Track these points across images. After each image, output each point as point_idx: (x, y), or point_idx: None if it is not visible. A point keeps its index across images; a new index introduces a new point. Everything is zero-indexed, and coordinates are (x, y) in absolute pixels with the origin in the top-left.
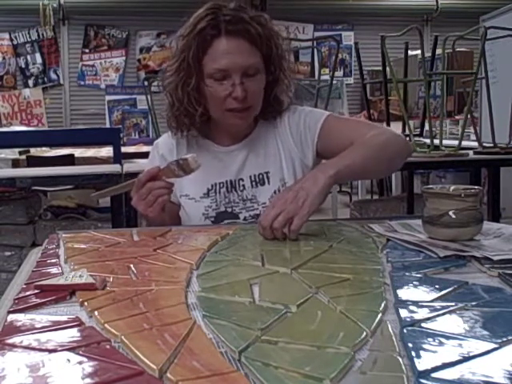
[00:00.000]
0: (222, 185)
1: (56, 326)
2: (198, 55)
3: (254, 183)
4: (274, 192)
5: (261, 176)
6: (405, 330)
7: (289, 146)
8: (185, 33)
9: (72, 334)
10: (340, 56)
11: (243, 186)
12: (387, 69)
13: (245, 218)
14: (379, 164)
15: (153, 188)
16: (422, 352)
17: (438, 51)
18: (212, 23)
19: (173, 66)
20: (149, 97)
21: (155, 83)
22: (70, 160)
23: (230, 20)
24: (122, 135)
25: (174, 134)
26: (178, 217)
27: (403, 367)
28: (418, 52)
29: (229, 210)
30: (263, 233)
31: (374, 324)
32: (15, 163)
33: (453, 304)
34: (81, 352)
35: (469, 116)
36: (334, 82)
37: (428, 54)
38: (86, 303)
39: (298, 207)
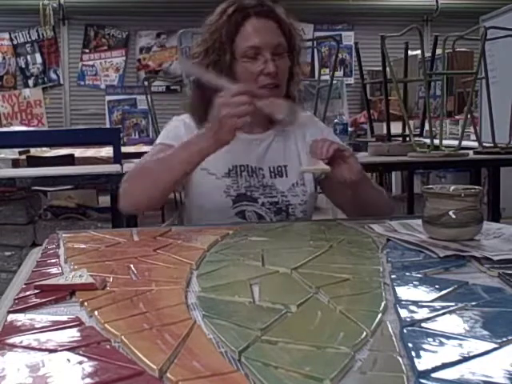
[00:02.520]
0: (243, 168)
1: (56, 326)
2: (231, 35)
3: (272, 174)
4: (293, 185)
5: (280, 168)
6: (405, 330)
7: (304, 148)
8: (212, 20)
9: (72, 334)
10: (340, 56)
11: (263, 174)
12: (387, 69)
13: (263, 204)
14: (371, 209)
15: (246, 101)
16: (422, 352)
17: (438, 51)
18: (241, 7)
19: (201, 53)
20: (149, 97)
21: (155, 83)
22: (69, 160)
23: (256, 5)
24: (121, 135)
25: (197, 120)
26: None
27: (403, 367)
28: (418, 52)
29: (248, 193)
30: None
31: (374, 324)
32: (15, 163)
33: (453, 304)
34: (81, 352)
35: (469, 116)
36: (334, 82)
37: (428, 54)
38: (85, 303)
39: None
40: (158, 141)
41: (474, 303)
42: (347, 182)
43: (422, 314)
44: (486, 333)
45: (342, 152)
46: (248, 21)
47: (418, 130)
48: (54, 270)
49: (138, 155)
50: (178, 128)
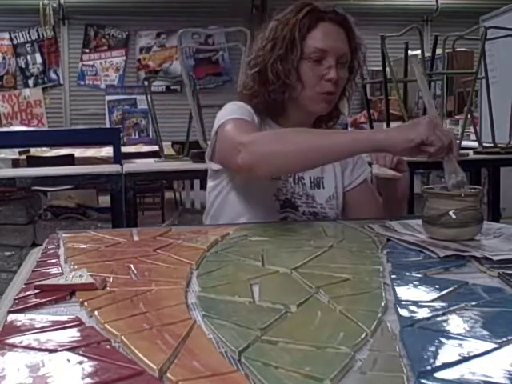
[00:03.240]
0: (289, 174)
1: (56, 326)
2: (304, 34)
3: (312, 184)
4: (329, 197)
5: (318, 179)
6: (405, 330)
7: (338, 163)
8: (285, 17)
9: (72, 334)
10: None
11: (304, 184)
12: (387, 69)
13: (303, 213)
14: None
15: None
16: (422, 352)
17: (438, 51)
18: (315, 10)
19: (267, 45)
20: (149, 97)
21: (155, 83)
22: (69, 160)
23: (331, 11)
24: (121, 135)
25: (256, 110)
26: None
27: (403, 367)
28: (418, 52)
29: (292, 200)
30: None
31: (374, 324)
32: (15, 163)
33: (453, 304)
34: (81, 352)
35: (469, 116)
36: None
37: (428, 54)
38: (85, 303)
39: None
40: (233, 115)
41: (473, 303)
42: (393, 194)
43: (422, 313)
44: (485, 333)
45: (402, 165)
46: (321, 23)
47: None
48: (54, 270)
49: (138, 155)
50: (248, 109)
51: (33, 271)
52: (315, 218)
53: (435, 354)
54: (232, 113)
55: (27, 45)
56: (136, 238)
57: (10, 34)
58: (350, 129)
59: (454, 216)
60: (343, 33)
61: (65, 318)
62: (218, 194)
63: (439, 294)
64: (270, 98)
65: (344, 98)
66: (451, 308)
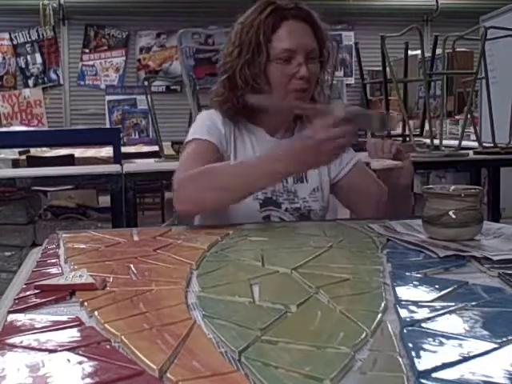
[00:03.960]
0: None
1: (56, 326)
2: (268, 36)
3: (294, 179)
4: (313, 190)
5: (300, 173)
6: (405, 330)
7: None
8: (248, 19)
9: (72, 334)
10: (340, 56)
11: (286, 179)
12: (387, 69)
13: (286, 209)
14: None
15: (350, 132)
16: (422, 352)
17: (438, 51)
18: (278, 9)
19: (234, 51)
20: (149, 97)
21: (155, 83)
22: (69, 160)
23: (293, 7)
24: (121, 135)
25: (224, 116)
26: None
27: (403, 367)
28: (418, 52)
29: (273, 198)
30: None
31: (374, 324)
32: (15, 163)
33: (453, 304)
34: (81, 352)
35: (469, 116)
36: (334, 82)
37: (428, 54)
38: (85, 303)
39: None
40: (195, 135)
41: (474, 303)
42: (398, 185)
43: (422, 313)
44: (485, 333)
45: (404, 153)
46: (285, 22)
47: (418, 129)
48: (54, 270)
49: (138, 155)
50: (216, 123)
51: (33, 271)
52: (299, 213)
53: (435, 354)
54: (195, 132)
55: (27, 45)
56: (136, 238)
57: (10, 34)
58: None
59: (453, 216)
60: (309, 28)
61: (65, 318)
62: None
63: (439, 294)
64: (239, 103)
65: (318, 88)
66: (451, 308)
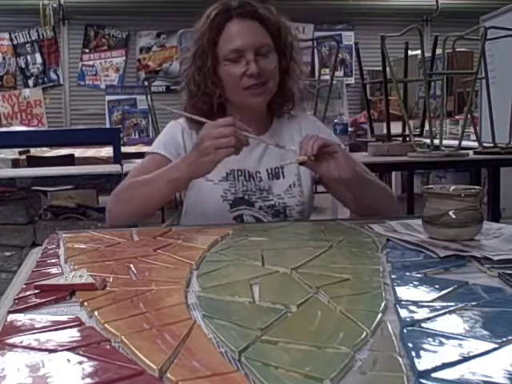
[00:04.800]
0: (240, 172)
1: (56, 326)
2: (213, 39)
3: (270, 176)
4: (290, 186)
5: (276, 170)
6: (405, 330)
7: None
8: (198, 25)
9: (72, 334)
10: (340, 56)
11: (260, 177)
12: (387, 69)
13: (260, 208)
14: (375, 205)
15: (230, 133)
16: (422, 352)
17: (438, 51)
18: (223, 9)
19: (189, 57)
20: (149, 97)
21: (155, 83)
22: (69, 160)
23: (239, 6)
24: (121, 135)
25: (190, 125)
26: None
27: (403, 367)
28: (418, 52)
29: (246, 197)
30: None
31: (374, 324)
32: (15, 163)
33: (453, 304)
34: (81, 352)
35: (469, 116)
36: (334, 82)
37: (428, 54)
38: (85, 303)
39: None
40: (153, 147)
41: (474, 303)
42: (339, 180)
43: (422, 313)
44: (485, 333)
45: (329, 147)
46: (229, 23)
47: (418, 129)
48: (54, 270)
49: (138, 155)
50: (175, 136)
51: (33, 271)
52: (274, 211)
53: (435, 354)
54: (154, 144)
55: (27, 45)
56: (136, 238)
57: (10, 34)
58: (350, 129)
59: (453, 216)
60: (256, 24)
61: (65, 318)
62: (185, 197)
63: (439, 294)
64: (196, 109)
65: (291, 79)
66: (451, 308)
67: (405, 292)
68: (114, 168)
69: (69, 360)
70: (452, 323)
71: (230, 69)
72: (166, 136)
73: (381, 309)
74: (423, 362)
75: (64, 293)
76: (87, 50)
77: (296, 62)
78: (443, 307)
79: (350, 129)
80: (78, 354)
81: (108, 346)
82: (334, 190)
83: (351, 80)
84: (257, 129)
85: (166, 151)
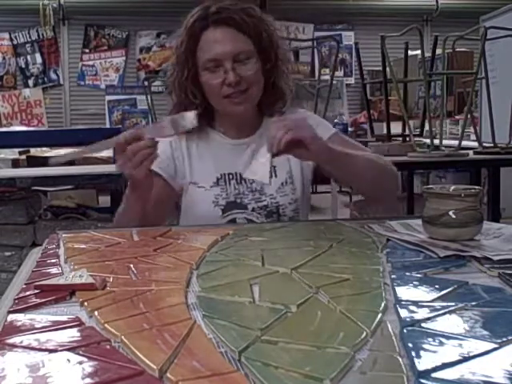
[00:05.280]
0: (231, 176)
1: (56, 326)
2: (191, 49)
3: None
4: (282, 184)
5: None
6: (405, 330)
7: None
8: (179, 32)
9: (72, 334)
10: (340, 56)
11: (252, 179)
12: (387, 69)
13: (253, 209)
14: (370, 179)
15: (138, 149)
16: (422, 352)
17: (438, 51)
18: (200, 17)
19: (171, 67)
20: (149, 97)
21: (155, 83)
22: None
23: (215, 11)
24: None
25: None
26: (168, 204)
27: (403, 367)
28: (418, 52)
29: (238, 200)
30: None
31: (374, 324)
32: (15, 163)
33: (453, 304)
34: (81, 352)
35: (469, 116)
36: (334, 82)
37: (428, 54)
38: (85, 303)
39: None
40: None
41: (474, 303)
42: (315, 161)
43: (422, 313)
44: (485, 333)
45: (300, 141)
46: (205, 32)
47: (418, 129)
48: (54, 270)
49: None
50: (164, 150)
51: (33, 271)
52: (267, 211)
53: (435, 354)
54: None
55: (27, 45)
56: (136, 238)
57: (10, 34)
58: (350, 129)
59: (453, 216)
60: (233, 30)
61: (65, 318)
62: (180, 215)
63: (439, 294)
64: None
65: (279, 77)
66: (451, 308)
67: (405, 292)
68: (113, 168)
69: (69, 360)
70: (452, 323)
71: (209, 78)
72: (160, 154)
73: (381, 309)
74: (423, 362)
75: (64, 293)
76: (87, 50)
77: (283, 61)
78: (443, 307)
79: (350, 129)
80: (78, 354)
81: (108, 346)
82: (329, 173)
83: (351, 80)
84: (246, 130)
85: (159, 169)
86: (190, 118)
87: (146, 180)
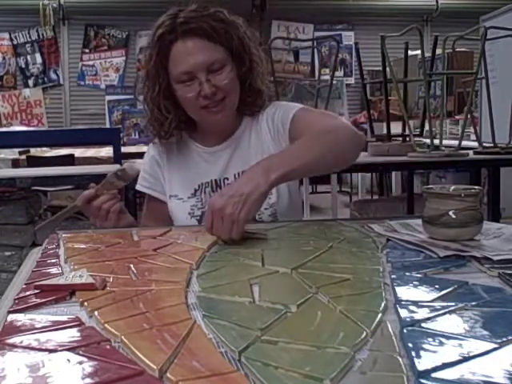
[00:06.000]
0: (207, 184)
1: (56, 326)
2: (161, 62)
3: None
4: None
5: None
6: (405, 330)
7: (268, 141)
8: (147, 53)
9: (72, 334)
10: (340, 56)
11: (229, 184)
12: (387, 69)
13: None
14: (327, 162)
15: (100, 205)
16: (422, 352)
17: (438, 51)
18: (168, 28)
19: (145, 85)
20: None
21: None
22: (69, 160)
23: (183, 22)
24: (121, 135)
25: (155, 140)
26: (167, 216)
27: (403, 367)
28: (418, 52)
29: None
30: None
31: (374, 324)
32: (15, 163)
33: (453, 304)
34: (81, 352)
35: (469, 116)
36: (334, 82)
37: (428, 54)
38: (85, 303)
39: (235, 214)
40: (140, 184)
41: (474, 303)
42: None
43: (422, 313)
44: (485, 333)
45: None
46: (175, 44)
47: (418, 129)
48: (54, 270)
49: (138, 155)
50: (150, 170)
51: (33, 271)
52: None
53: (435, 354)
54: (140, 178)
55: (27, 45)
56: (136, 238)
57: (9, 34)
58: None
59: (453, 216)
60: (203, 40)
61: (65, 318)
62: None
63: (439, 294)
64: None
65: (255, 76)
66: (451, 308)
67: (405, 292)
68: (113, 168)
69: (69, 360)
70: (452, 323)
71: (184, 92)
72: (145, 174)
73: (381, 309)
74: (423, 362)
75: (64, 293)
76: (87, 50)
77: (257, 62)
78: (443, 307)
79: None
80: (78, 354)
81: (108, 346)
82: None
83: (351, 80)
84: (226, 133)
85: (150, 190)
86: (132, 169)
87: (119, 223)
